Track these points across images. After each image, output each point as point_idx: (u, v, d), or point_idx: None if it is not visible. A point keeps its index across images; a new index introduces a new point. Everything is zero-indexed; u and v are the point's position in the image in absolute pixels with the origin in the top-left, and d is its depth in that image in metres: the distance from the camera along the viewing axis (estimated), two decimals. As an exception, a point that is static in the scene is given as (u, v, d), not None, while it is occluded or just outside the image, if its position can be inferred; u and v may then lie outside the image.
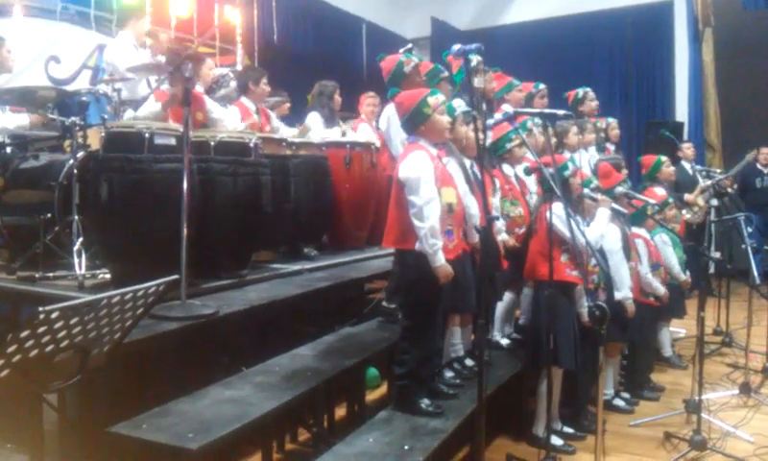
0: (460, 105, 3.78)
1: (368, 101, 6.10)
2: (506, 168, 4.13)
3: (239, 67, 7.06)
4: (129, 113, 4.18)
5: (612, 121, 6.31)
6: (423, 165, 2.99)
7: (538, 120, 4.27)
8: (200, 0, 7.10)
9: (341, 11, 9.55)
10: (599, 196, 3.79)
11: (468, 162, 3.58)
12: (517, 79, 5.49)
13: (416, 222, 2.93)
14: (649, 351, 4.72)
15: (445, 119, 3.18)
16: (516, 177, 4.18)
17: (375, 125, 5.81)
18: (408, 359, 3.09)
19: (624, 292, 3.96)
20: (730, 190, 6.63)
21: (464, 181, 3.45)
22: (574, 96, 5.97)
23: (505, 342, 4.25)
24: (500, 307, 4.21)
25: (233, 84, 5.30)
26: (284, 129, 5.40)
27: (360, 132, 5.84)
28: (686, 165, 7.54)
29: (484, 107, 4.39)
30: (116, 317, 1.86)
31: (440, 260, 2.94)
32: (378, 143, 5.27)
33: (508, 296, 4.29)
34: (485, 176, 3.19)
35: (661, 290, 4.48)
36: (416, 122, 3.12)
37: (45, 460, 2.15)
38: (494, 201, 3.80)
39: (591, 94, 6.01)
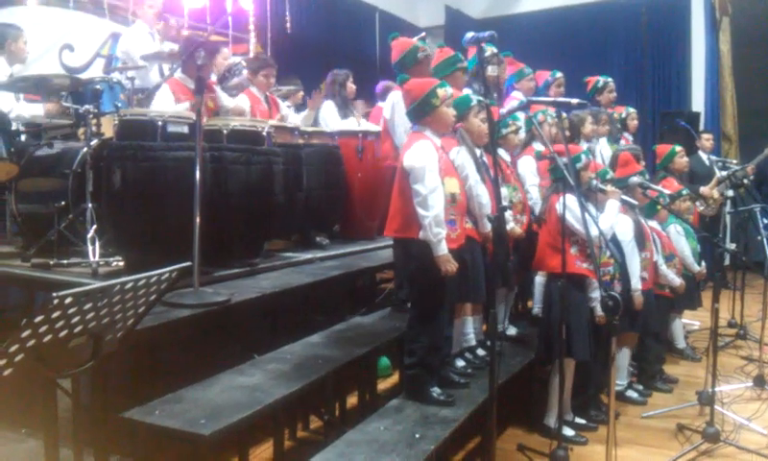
0: (468, 92, 3.76)
1: None
2: (503, 153, 4.09)
3: (252, 56, 7.05)
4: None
5: (632, 111, 6.25)
6: (428, 154, 3.00)
7: (551, 111, 4.24)
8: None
9: (354, -1, 9.52)
10: (608, 187, 3.76)
11: (477, 151, 3.57)
12: (532, 67, 5.44)
13: (420, 211, 2.93)
14: (661, 342, 4.70)
15: (451, 112, 3.19)
16: (513, 163, 4.15)
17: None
18: (417, 348, 3.10)
19: (633, 283, 3.94)
20: (746, 181, 6.54)
21: (475, 171, 3.44)
22: (594, 83, 5.91)
23: (512, 331, 4.24)
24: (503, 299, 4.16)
25: (245, 72, 5.30)
26: (293, 116, 5.39)
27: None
28: (703, 156, 7.46)
29: (495, 95, 4.38)
30: (129, 303, 1.87)
31: (442, 250, 2.94)
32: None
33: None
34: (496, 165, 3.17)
35: (677, 281, 4.45)
36: (423, 112, 3.12)
37: (59, 445, 2.17)
38: (504, 190, 3.78)
39: (612, 85, 5.94)
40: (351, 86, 5.77)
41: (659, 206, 4.38)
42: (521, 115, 4.24)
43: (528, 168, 4.16)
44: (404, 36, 4.52)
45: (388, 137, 4.46)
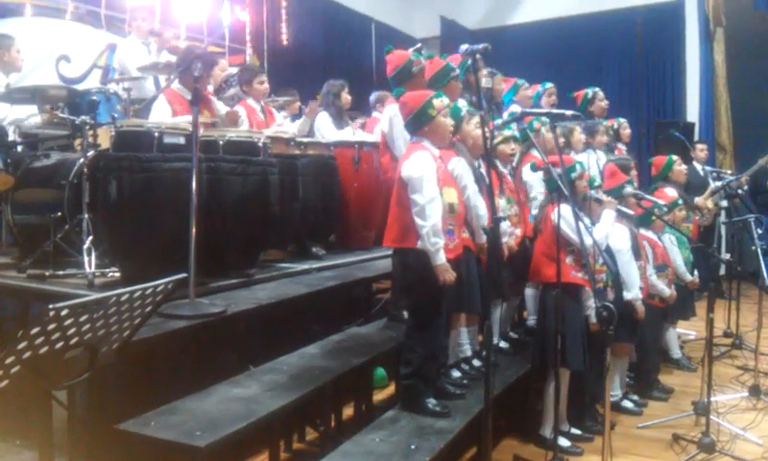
0: (463, 104, 3.78)
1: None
2: (499, 165, 4.10)
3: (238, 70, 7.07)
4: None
5: (623, 121, 6.27)
6: (426, 164, 3.02)
7: (546, 120, 4.26)
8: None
9: (350, 10, 9.56)
10: (604, 197, 3.78)
11: (475, 163, 3.59)
12: (527, 79, 5.47)
13: (418, 220, 2.94)
14: (656, 352, 4.70)
15: (449, 122, 3.21)
16: (511, 174, 4.16)
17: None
18: (414, 358, 3.10)
19: (634, 293, 3.95)
20: (740, 192, 6.58)
21: (473, 181, 3.46)
22: (584, 96, 5.94)
23: (503, 345, 4.22)
24: (498, 311, 4.15)
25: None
26: (288, 124, 5.40)
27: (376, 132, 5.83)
28: (698, 166, 7.50)
29: (487, 106, 4.39)
30: (125, 315, 1.87)
31: (440, 259, 2.95)
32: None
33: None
34: (492, 176, 3.19)
35: (667, 292, 4.46)
36: (419, 123, 3.14)
37: (54, 457, 2.16)
38: (502, 201, 3.79)
39: (601, 94, 5.97)
40: (347, 97, 5.78)
41: (654, 217, 4.40)
42: (515, 126, 4.26)
43: (535, 176, 4.17)
44: (400, 46, 4.55)
45: (387, 150, 4.49)
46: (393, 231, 3.13)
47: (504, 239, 3.73)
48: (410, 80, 3.99)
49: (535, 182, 4.21)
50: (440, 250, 2.95)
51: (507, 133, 4.04)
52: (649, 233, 4.47)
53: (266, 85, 5.05)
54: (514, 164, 4.23)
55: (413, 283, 3.13)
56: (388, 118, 4.41)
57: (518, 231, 3.99)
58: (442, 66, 4.08)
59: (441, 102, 3.15)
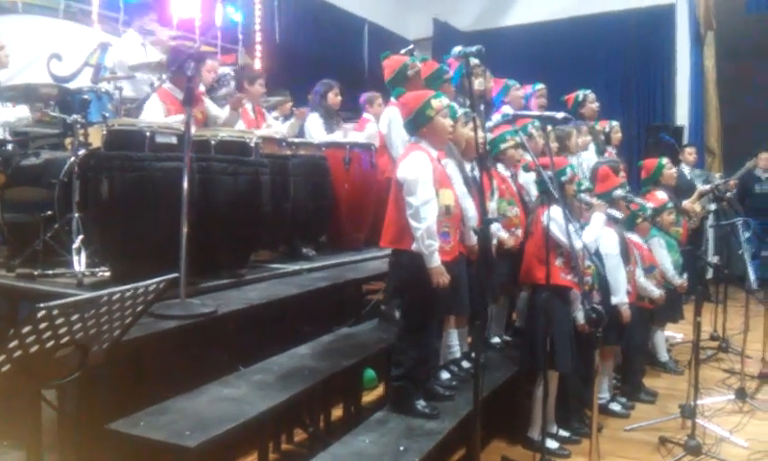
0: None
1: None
2: (501, 168, 4.14)
3: (240, 66, 7.07)
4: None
5: (615, 124, 6.31)
6: (422, 166, 3.01)
7: (537, 123, 4.28)
8: (202, -1, 7.12)
9: (343, 11, 9.57)
10: (594, 200, 3.81)
11: (468, 165, 3.60)
12: (518, 81, 5.49)
13: (412, 222, 2.94)
14: (642, 354, 4.74)
15: (448, 122, 3.20)
16: (513, 178, 4.19)
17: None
18: (405, 360, 3.11)
19: (620, 297, 3.98)
20: (729, 194, 6.64)
21: (462, 183, 3.47)
22: (574, 99, 5.96)
23: (495, 340, 4.25)
24: (494, 309, 4.18)
25: (234, 83, 5.32)
26: (277, 125, 5.40)
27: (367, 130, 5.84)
28: (685, 169, 7.55)
29: (482, 108, 4.43)
30: (116, 314, 1.87)
31: (435, 262, 2.95)
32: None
33: (502, 299, 4.30)
34: (483, 178, 3.20)
35: (656, 293, 4.49)
36: (418, 123, 3.14)
37: (43, 457, 2.16)
38: (492, 204, 3.81)
39: (592, 96, 5.99)
40: (335, 98, 5.75)
41: (638, 219, 4.43)
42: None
43: (530, 178, 4.21)
44: (392, 47, 4.59)
45: (385, 151, 4.53)
46: (389, 232, 3.13)
47: (499, 235, 3.75)
48: (406, 83, 4.03)
49: (531, 185, 4.23)
50: (434, 252, 2.94)
51: (519, 138, 4.06)
52: (634, 237, 4.49)
53: (263, 89, 5.09)
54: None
55: (406, 285, 3.13)
56: (387, 120, 4.44)
57: (519, 232, 4.01)
58: (434, 70, 4.12)
59: (439, 102, 3.14)
